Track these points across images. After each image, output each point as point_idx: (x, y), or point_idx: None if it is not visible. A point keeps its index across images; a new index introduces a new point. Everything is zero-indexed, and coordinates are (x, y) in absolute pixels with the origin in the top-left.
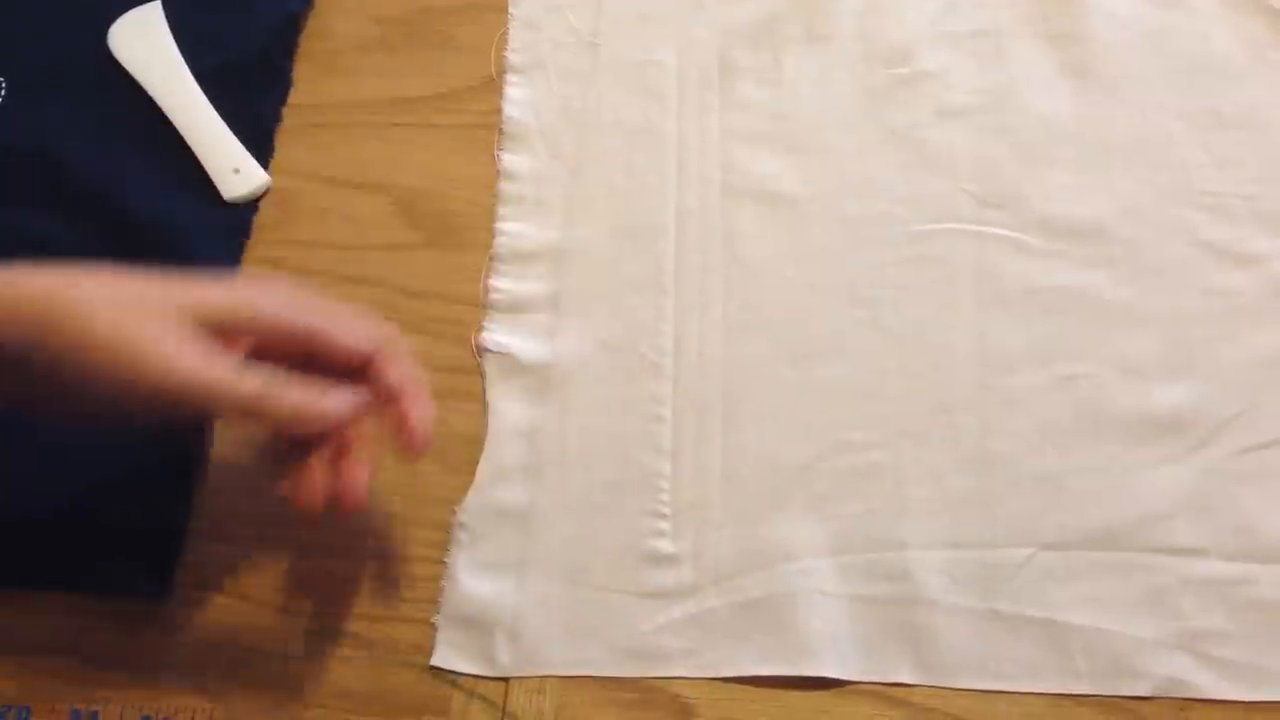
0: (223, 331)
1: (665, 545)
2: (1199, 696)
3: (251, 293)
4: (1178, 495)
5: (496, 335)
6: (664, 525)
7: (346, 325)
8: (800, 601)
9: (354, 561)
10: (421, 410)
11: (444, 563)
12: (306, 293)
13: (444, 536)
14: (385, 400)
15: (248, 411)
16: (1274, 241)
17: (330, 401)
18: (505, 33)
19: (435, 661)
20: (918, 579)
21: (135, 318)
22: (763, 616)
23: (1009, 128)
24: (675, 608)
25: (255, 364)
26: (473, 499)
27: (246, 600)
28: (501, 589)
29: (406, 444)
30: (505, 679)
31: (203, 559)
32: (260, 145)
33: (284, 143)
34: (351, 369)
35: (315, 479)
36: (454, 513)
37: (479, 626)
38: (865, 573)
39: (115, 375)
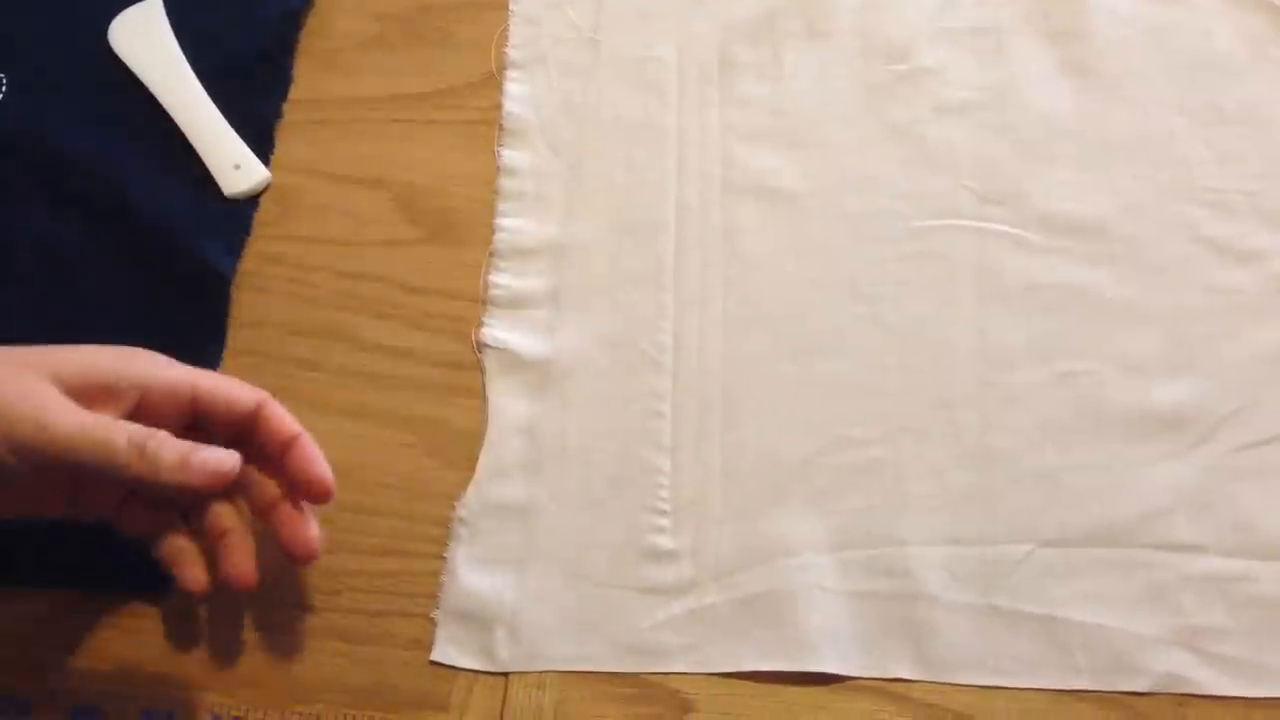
0: (90, 393)
1: (665, 541)
2: (1198, 693)
3: (120, 353)
4: (1178, 492)
5: (496, 331)
6: (663, 521)
7: (225, 381)
8: (800, 597)
9: (353, 557)
10: (319, 458)
11: (443, 558)
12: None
13: (443, 532)
14: (279, 452)
15: (130, 464)
16: (1275, 238)
17: (219, 452)
18: (505, 29)
19: (435, 656)
20: (918, 575)
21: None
22: (762, 612)
23: (1009, 124)
24: (675, 603)
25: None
26: (472, 494)
27: (243, 595)
28: (501, 584)
29: (311, 491)
30: (505, 674)
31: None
32: (261, 141)
33: (284, 139)
34: (233, 433)
35: (195, 564)
36: (454, 508)
37: (479, 621)
38: (865, 568)
39: None
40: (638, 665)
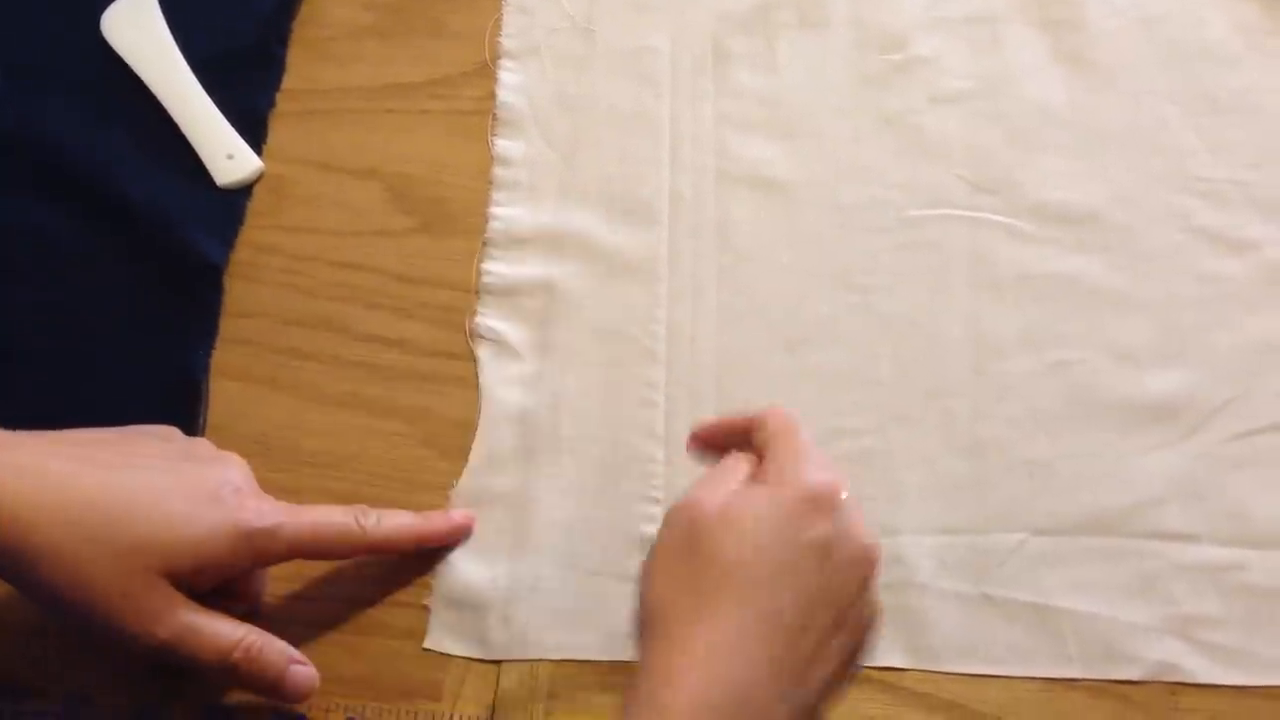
0: (194, 575)
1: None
2: (1190, 681)
3: (221, 527)
4: (1170, 481)
5: (489, 320)
6: (656, 510)
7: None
8: None
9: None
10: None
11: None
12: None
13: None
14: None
15: (235, 669)
16: (1268, 227)
17: (307, 673)
18: (499, 19)
19: (428, 644)
20: (909, 564)
21: (99, 572)
22: None
23: (1003, 114)
24: None
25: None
26: (465, 483)
27: None
28: (494, 572)
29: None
30: (497, 663)
31: None
32: (253, 131)
33: (277, 128)
34: None
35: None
36: (447, 498)
37: (472, 609)
38: None
39: (80, 615)
40: (632, 654)
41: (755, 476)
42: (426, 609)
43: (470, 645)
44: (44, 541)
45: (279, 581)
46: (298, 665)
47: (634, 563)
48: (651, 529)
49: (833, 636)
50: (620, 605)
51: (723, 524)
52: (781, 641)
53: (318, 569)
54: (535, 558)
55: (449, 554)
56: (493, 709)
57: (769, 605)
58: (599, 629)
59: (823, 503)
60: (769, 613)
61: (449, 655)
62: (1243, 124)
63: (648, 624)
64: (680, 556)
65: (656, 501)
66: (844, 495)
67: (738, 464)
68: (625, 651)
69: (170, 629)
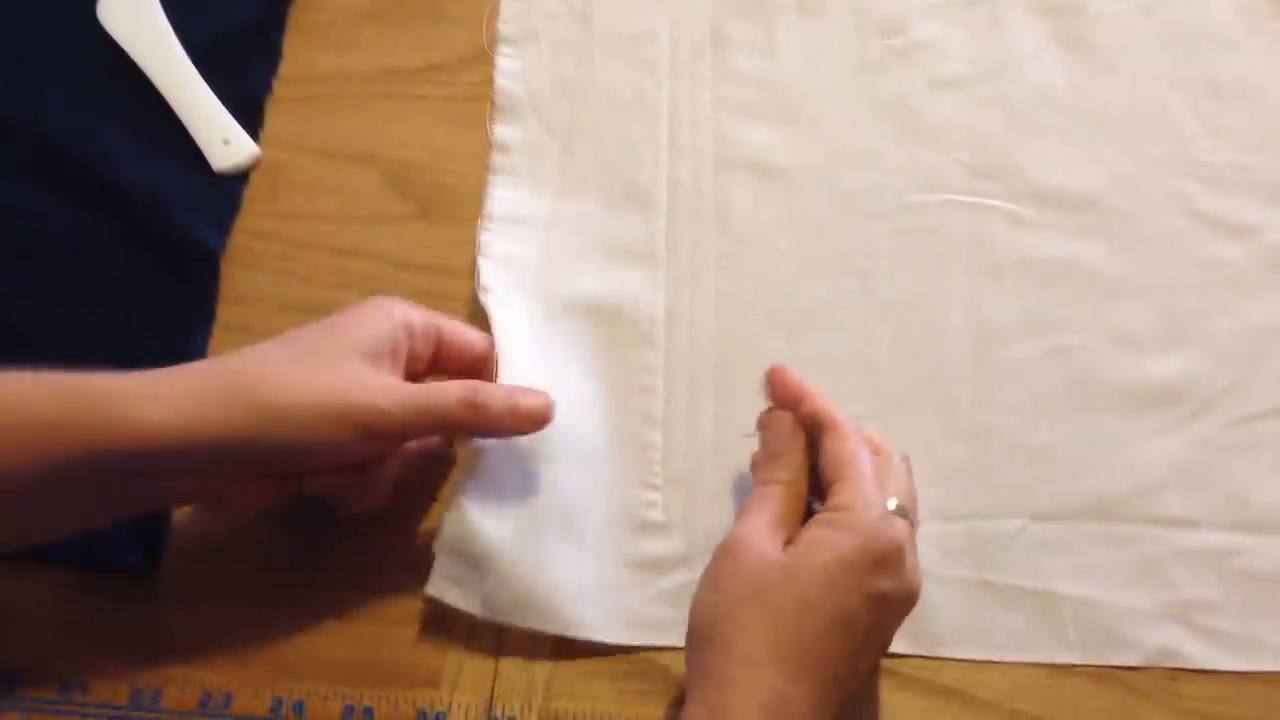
0: (382, 357)
1: (656, 515)
2: (1189, 666)
3: (379, 309)
4: (1170, 466)
5: (489, 299)
6: (655, 496)
7: (459, 324)
8: None
9: (343, 532)
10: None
11: (434, 536)
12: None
13: (436, 509)
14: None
15: (464, 419)
16: (1269, 212)
17: (534, 395)
18: (497, 4)
19: (429, 590)
20: None
21: (317, 377)
22: None
23: (1003, 98)
24: (666, 578)
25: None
26: (466, 457)
27: (234, 572)
28: (501, 533)
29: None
30: (495, 652)
31: (189, 531)
32: (250, 117)
33: (274, 114)
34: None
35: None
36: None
37: (476, 565)
38: None
39: (316, 437)
40: (630, 637)
41: (825, 503)
42: (426, 598)
43: (470, 602)
44: (268, 392)
45: (278, 569)
46: (524, 396)
47: (633, 547)
48: (650, 514)
49: (870, 662)
50: (620, 588)
51: (787, 578)
52: (829, 682)
53: (313, 555)
54: (536, 535)
55: (460, 499)
56: (491, 697)
57: (824, 653)
58: (600, 610)
59: (890, 560)
60: (823, 660)
61: (447, 643)
62: (1244, 108)
63: (706, 660)
64: (744, 600)
65: (655, 487)
66: (908, 546)
67: (784, 496)
68: (622, 634)
69: (402, 403)
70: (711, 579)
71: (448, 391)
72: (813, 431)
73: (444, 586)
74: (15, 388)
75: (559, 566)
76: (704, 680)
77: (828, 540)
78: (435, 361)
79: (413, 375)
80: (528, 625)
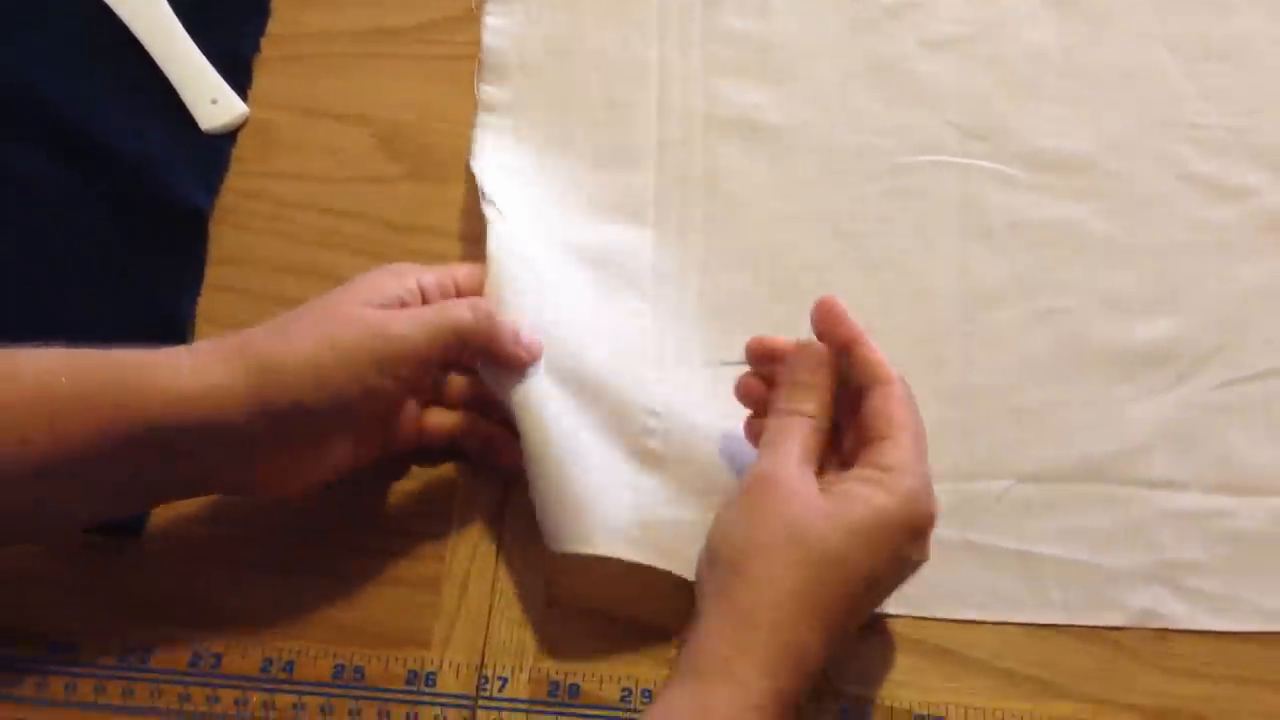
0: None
1: (655, 444)
2: (1173, 627)
3: (388, 271)
4: (1158, 428)
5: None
6: (654, 423)
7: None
8: None
9: (332, 494)
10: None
11: (428, 501)
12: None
13: (427, 473)
14: None
15: (480, 328)
16: (1262, 175)
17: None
18: None
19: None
20: None
21: (327, 327)
22: None
23: (995, 59)
24: (662, 509)
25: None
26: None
27: (223, 532)
28: None
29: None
30: (488, 612)
31: None
32: (238, 76)
33: (262, 73)
34: None
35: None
36: None
37: None
38: None
39: (339, 382)
40: (629, 553)
41: (857, 455)
42: (416, 556)
43: None
44: (282, 352)
45: (267, 530)
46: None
47: (633, 473)
48: (652, 443)
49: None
50: (619, 511)
51: (829, 529)
52: (838, 632)
53: (305, 516)
54: (538, 457)
55: None
56: (482, 657)
57: (845, 607)
58: (602, 526)
59: (924, 531)
60: (843, 613)
61: (440, 602)
62: (1238, 70)
63: (732, 591)
64: (781, 542)
65: (655, 414)
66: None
67: (810, 430)
68: (619, 549)
69: (421, 311)
70: (745, 509)
71: (457, 304)
72: (853, 377)
73: None
74: (40, 363)
75: (559, 487)
76: (728, 612)
77: (871, 499)
78: None
79: None
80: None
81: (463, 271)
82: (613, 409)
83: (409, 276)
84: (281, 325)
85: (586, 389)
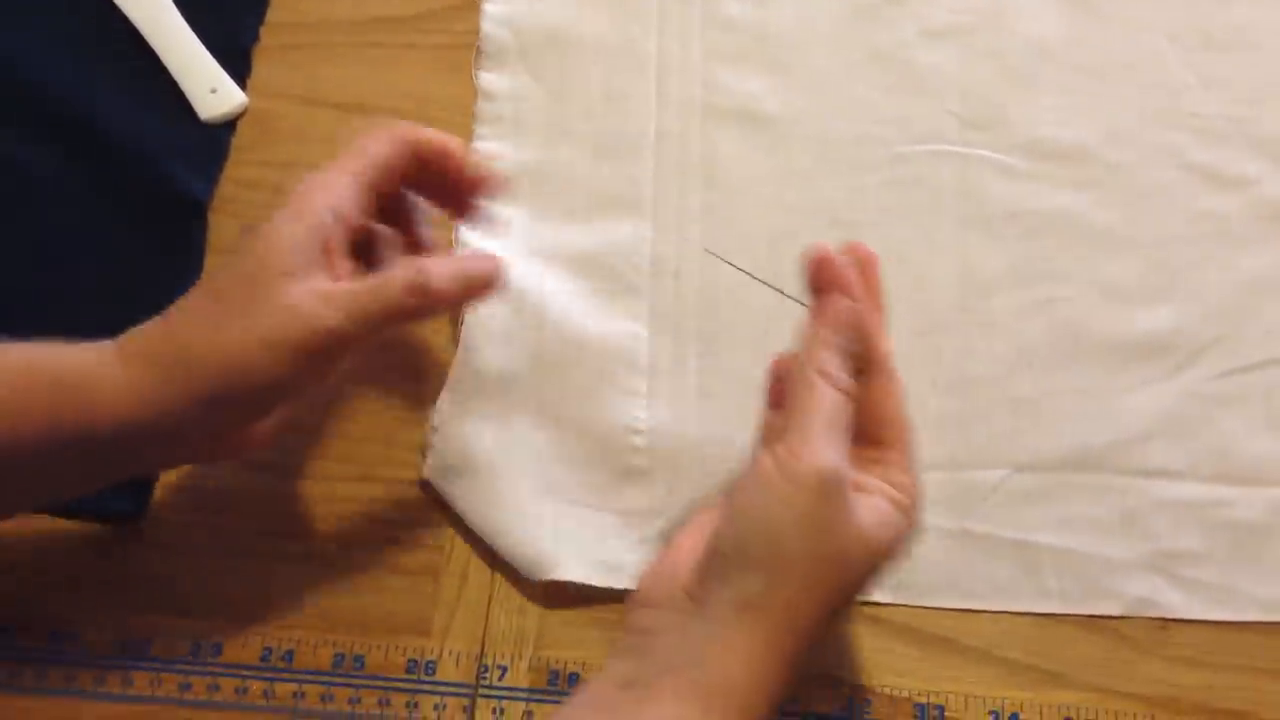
0: (322, 258)
1: (641, 461)
2: (1170, 616)
3: (307, 209)
4: (1156, 418)
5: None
6: (640, 441)
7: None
8: None
9: (330, 483)
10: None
11: (423, 482)
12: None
13: (418, 464)
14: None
15: (412, 304)
16: (1262, 164)
17: (480, 261)
18: None
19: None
20: None
21: (252, 327)
22: None
23: (995, 49)
24: (650, 524)
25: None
26: (444, 401)
27: (223, 520)
28: (471, 493)
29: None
30: (487, 602)
31: (178, 480)
32: (237, 65)
33: (261, 62)
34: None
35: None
36: (429, 423)
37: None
38: None
39: (275, 379)
40: (616, 581)
41: (877, 454)
42: (416, 545)
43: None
44: (185, 338)
45: (267, 518)
46: (471, 262)
47: (616, 494)
48: (637, 461)
49: None
50: (604, 535)
51: (865, 557)
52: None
53: (303, 505)
54: (517, 484)
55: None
56: (482, 646)
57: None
58: (585, 556)
59: (913, 525)
60: (836, 614)
61: (439, 592)
62: (1238, 60)
63: (757, 587)
64: (824, 562)
65: (639, 433)
66: None
67: (848, 409)
68: (611, 578)
69: (352, 291)
70: (803, 515)
71: (391, 284)
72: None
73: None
74: None
75: (542, 515)
76: (755, 629)
77: (895, 525)
78: (417, 180)
79: (385, 212)
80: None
81: (414, 136)
82: (596, 437)
83: (314, 203)
84: (207, 312)
85: (569, 413)
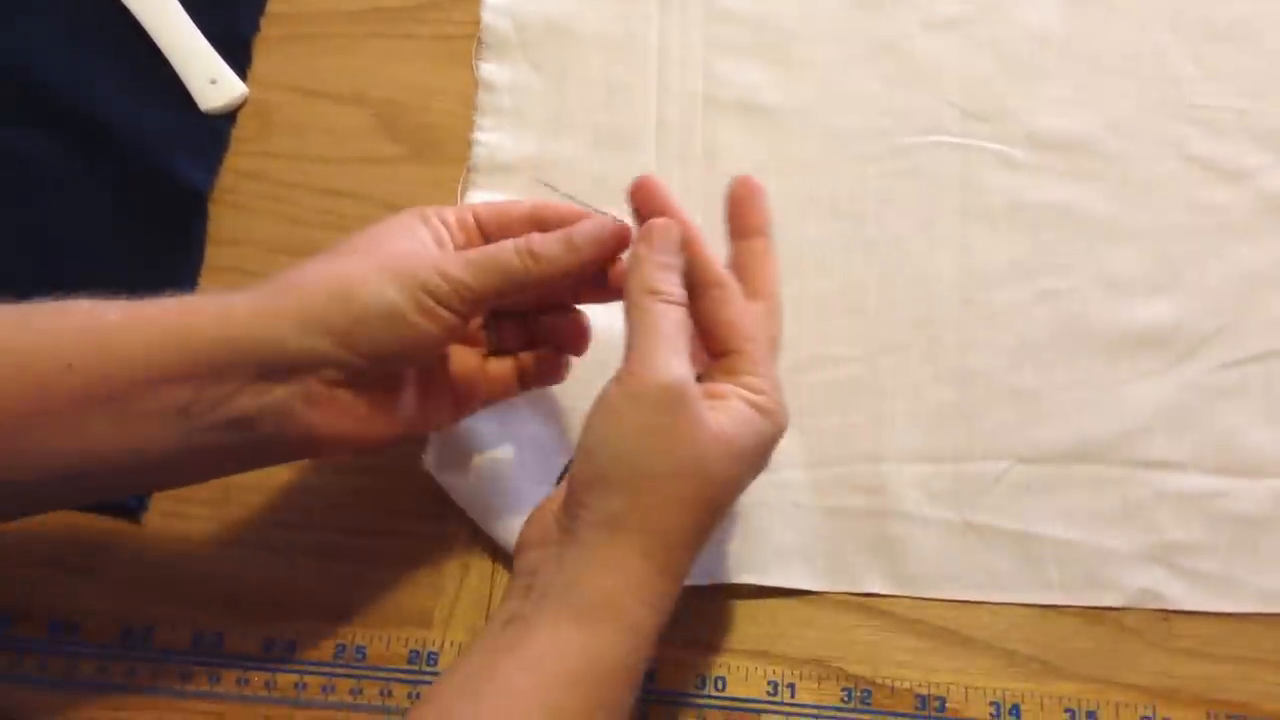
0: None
1: None
2: (1171, 608)
3: (428, 214)
4: (1157, 410)
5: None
6: None
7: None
8: (774, 513)
9: (335, 475)
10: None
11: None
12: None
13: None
14: None
15: (528, 268)
16: (1264, 157)
17: (593, 222)
18: None
19: (425, 462)
20: (893, 492)
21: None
22: (736, 526)
23: (997, 39)
24: None
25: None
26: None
27: (225, 512)
28: (475, 476)
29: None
30: (488, 593)
31: None
32: (237, 56)
33: (261, 53)
34: None
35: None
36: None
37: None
38: (841, 485)
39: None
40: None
41: (729, 362)
42: (417, 536)
43: (460, 495)
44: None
45: (269, 511)
46: (578, 228)
47: None
48: None
49: None
50: None
51: (727, 461)
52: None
53: (305, 498)
54: (515, 473)
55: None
56: None
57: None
58: None
59: (780, 441)
60: (713, 517)
61: (441, 583)
62: (1241, 52)
63: (622, 513)
64: (684, 474)
65: None
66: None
67: (685, 322)
68: None
69: (469, 253)
70: (647, 429)
71: (504, 247)
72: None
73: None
74: (91, 302)
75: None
76: (619, 545)
77: (760, 427)
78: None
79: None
80: (507, 538)
81: (484, 210)
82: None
83: (430, 213)
84: (324, 258)
85: (565, 410)
